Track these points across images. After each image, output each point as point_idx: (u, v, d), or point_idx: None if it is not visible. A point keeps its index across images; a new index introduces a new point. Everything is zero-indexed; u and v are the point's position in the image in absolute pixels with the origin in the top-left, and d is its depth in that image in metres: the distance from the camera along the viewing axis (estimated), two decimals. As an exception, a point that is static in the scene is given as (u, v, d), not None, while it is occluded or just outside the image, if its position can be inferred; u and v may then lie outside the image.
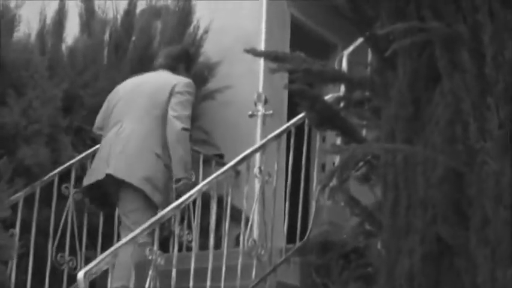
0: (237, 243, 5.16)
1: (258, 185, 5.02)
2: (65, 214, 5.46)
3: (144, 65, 6.11)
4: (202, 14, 6.55)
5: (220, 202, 4.98)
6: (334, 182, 3.71)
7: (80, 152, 5.71)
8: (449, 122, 3.21)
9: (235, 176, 5.19)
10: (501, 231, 2.99)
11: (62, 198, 5.48)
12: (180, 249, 4.96)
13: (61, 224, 5.43)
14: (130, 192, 5.01)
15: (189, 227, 4.99)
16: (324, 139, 5.49)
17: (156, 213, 4.77)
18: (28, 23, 6.19)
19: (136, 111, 5.21)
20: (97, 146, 5.64)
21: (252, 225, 4.95)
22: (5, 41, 5.65)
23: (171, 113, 5.13)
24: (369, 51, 3.90)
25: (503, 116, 3.06)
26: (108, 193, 5.17)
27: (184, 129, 5.10)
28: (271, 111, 5.93)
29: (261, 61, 6.22)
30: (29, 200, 5.31)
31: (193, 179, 5.28)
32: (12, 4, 6.02)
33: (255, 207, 4.97)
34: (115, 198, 5.13)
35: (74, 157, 5.61)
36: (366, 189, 3.82)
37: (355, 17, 3.60)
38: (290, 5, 6.82)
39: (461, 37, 3.20)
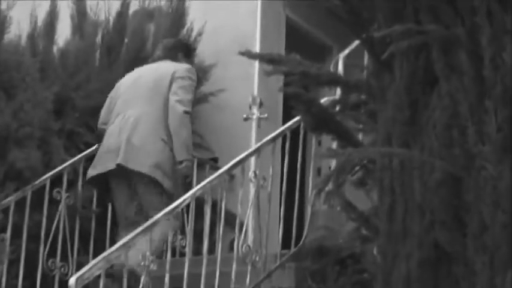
0: (231, 249, 5.13)
1: (253, 189, 5.00)
2: (56, 219, 5.43)
3: (137, 67, 6.09)
4: (196, 16, 6.52)
5: (215, 207, 4.94)
6: (330, 187, 3.71)
7: (73, 156, 5.69)
8: (446, 126, 3.23)
9: (229, 180, 5.16)
10: (499, 237, 3.02)
11: (54, 202, 5.45)
12: (173, 255, 4.95)
13: (53, 229, 5.40)
14: (142, 180, 5.14)
15: (183, 232, 4.99)
16: (319, 143, 5.47)
17: (170, 200, 4.81)
18: (19, 25, 6.15)
19: (140, 100, 5.32)
20: (89, 150, 5.65)
21: (246, 230, 4.91)
22: (-5, 43, 5.67)
23: (172, 97, 5.25)
24: (365, 53, 3.89)
25: (502, 120, 3.07)
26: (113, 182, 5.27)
27: (186, 112, 5.22)
28: (266, 115, 5.91)
29: (256, 64, 6.20)
30: (20, 204, 5.27)
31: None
32: (3, 5, 5.99)
33: (250, 212, 4.94)
34: (121, 187, 5.25)
35: (66, 161, 5.59)
36: (362, 193, 3.82)
37: (351, 19, 3.60)
38: (286, 7, 6.79)
39: (459, 39, 3.20)
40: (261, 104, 5.89)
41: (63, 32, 6.51)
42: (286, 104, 5.06)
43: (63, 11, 6.54)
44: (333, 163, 4.92)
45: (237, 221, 4.95)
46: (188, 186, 5.11)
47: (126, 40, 6.48)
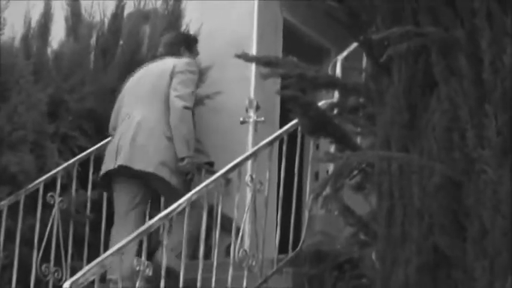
0: (228, 254, 5.10)
1: (250, 193, 4.98)
2: (50, 223, 5.42)
3: (132, 69, 6.07)
4: (192, 18, 6.49)
5: (211, 211, 4.91)
6: (327, 191, 3.68)
7: (67, 160, 5.69)
8: (446, 129, 3.23)
9: (226, 185, 5.13)
10: (499, 242, 3.03)
11: (47, 207, 5.43)
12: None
13: (46, 234, 5.40)
14: (149, 180, 5.20)
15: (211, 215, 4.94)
16: (317, 147, 5.45)
17: (177, 197, 4.79)
18: (12, 27, 6.13)
19: (143, 99, 5.38)
20: (83, 154, 5.66)
21: (243, 235, 4.90)
22: (-12, 45, 5.65)
23: (172, 93, 5.30)
24: (364, 56, 3.87)
25: (502, 123, 3.07)
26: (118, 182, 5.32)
27: (185, 107, 5.27)
28: (263, 118, 5.90)
29: (253, 66, 6.17)
30: (13, 209, 5.26)
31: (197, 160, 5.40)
32: (-4, 7, 5.97)
33: (246, 217, 4.93)
34: (124, 188, 5.29)
35: (60, 164, 5.59)
36: (360, 198, 3.80)
37: (349, 21, 3.58)
38: (283, 9, 6.77)
39: (459, 42, 3.20)
40: (257, 107, 5.88)
41: (58, 33, 6.49)
42: (284, 107, 5.04)
43: (57, 13, 6.53)
44: (331, 167, 4.90)
45: (234, 226, 4.92)
46: (189, 184, 5.14)
47: (121, 42, 6.46)
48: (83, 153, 5.71)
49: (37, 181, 5.40)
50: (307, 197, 5.48)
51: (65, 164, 5.59)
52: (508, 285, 2.94)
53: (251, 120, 5.89)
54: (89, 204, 5.68)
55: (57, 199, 5.46)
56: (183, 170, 5.23)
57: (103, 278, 4.76)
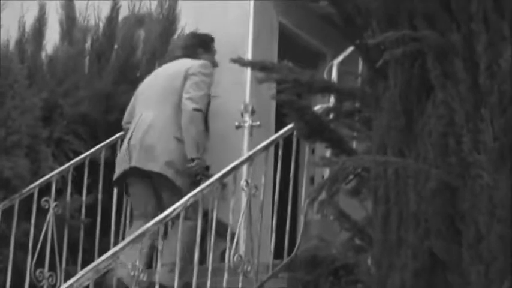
0: (223, 259, 5.08)
1: (245, 198, 4.96)
2: (44, 228, 5.39)
3: (126, 74, 6.06)
4: (187, 22, 6.47)
5: (206, 216, 4.89)
6: (323, 196, 3.66)
7: (61, 164, 5.67)
8: (442, 134, 3.23)
9: (221, 189, 5.11)
10: (495, 247, 3.02)
11: (42, 211, 5.41)
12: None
13: (40, 238, 5.37)
14: (157, 179, 5.26)
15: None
16: (313, 151, 5.45)
17: (180, 198, 4.80)
18: (7, 31, 6.11)
19: (156, 99, 5.45)
20: (78, 158, 5.64)
21: (238, 240, 4.89)
22: (-18, 49, 5.64)
23: (184, 95, 5.37)
24: (359, 60, 3.87)
25: (498, 128, 3.06)
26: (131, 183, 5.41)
27: (195, 109, 5.32)
28: (258, 123, 5.89)
29: (248, 71, 6.16)
30: (7, 213, 5.24)
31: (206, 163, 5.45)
32: (-9, 12, 5.96)
33: (242, 221, 4.90)
34: (138, 188, 5.38)
35: (54, 169, 5.58)
36: (356, 203, 3.79)
37: (345, 26, 3.56)
38: (278, 13, 6.76)
39: (455, 46, 3.18)
40: (253, 112, 5.86)
41: (52, 37, 6.48)
42: (279, 112, 5.02)
43: (51, 17, 6.51)
44: (327, 172, 4.90)
45: (229, 231, 4.90)
46: (198, 185, 5.11)
47: (115, 46, 6.44)
48: (78, 157, 5.70)
49: (31, 186, 5.38)
50: (303, 202, 5.48)
51: (60, 169, 5.58)
52: (504, 290, 2.94)
53: (246, 124, 5.88)
54: (83, 209, 5.66)
55: (52, 204, 5.45)
56: (192, 171, 5.27)
57: (98, 284, 4.73)
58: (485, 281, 2.98)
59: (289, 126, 5.08)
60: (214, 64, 5.70)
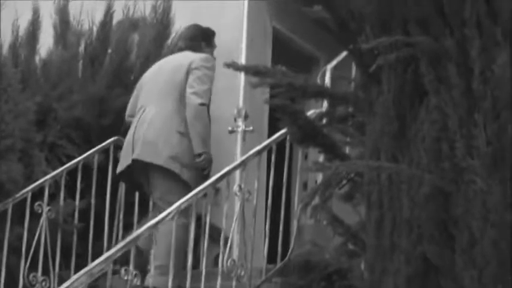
0: (216, 263, 5.07)
1: (238, 203, 4.94)
2: (37, 232, 5.38)
3: (120, 78, 6.05)
4: (181, 26, 6.46)
5: (199, 220, 4.88)
6: (316, 201, 3.65)
7: (55, 168, 5.66)
8: (435, 139, 3.22)
9: (214, 194, 5.10)
10: (488, 252, 3.00)
11: (35, 216, 5.39)
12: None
13: (34, 243, 5.35)
14: (159, 173, 5.26)
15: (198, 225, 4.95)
16: (306, 156, 5.44)
17: (189, 191, 4.82)
18: (0, 35, 6.09)
19: (158, 94, 5.47)
20: (71, 163, 5.64)
21: (231, 245, 4.88)
22: (-24, 53, 5.63)
23: (188, 90, 5.38)
24: (353, 65, 3.87)
25: (491, 133, 3.05)
26: (137, 179, 5.44)
27: (201, 104, 5.35)
28: (251, 127, 5.87)
29: (242, 75, 6.15)
30: (0, 218, 5.23)
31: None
32: (-16, 16, 5.95)
33: (235, 226, 4.89)
34: (145, 182, 5.40)
35: (47, 173, 5.56)
36: (349, 208, 3.78)
37: (338, 31, 3.56)
38: (272, 17, 6.76)
39: (448, 52, 3.18)
40: (246, 116, 5.85)
41: (46, 41, 6.48)
42: (272, 117, 5.02)
43: (45, 21, 6.51)
44: (320, 177, 4.89)
45: (222, 235, 4.89)
46: (206, 178, 5.16)
47: (109, 50, 6.43)
48: (71, 162, 5.68)
49: (25, 190, 5.37)
50: (296, 207, 5.47)
51: (53, 173, 5.57)
52: (497, 295, 2.93)
53: (240, 129, 5.87)
54: (77, 214, 5.65)
55: (45, 208, 5.44)
56: (200, 166, 5.30)
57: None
58: (478, 286, 2.97)
59: (283, 131, 5.08)
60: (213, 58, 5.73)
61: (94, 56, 6.41)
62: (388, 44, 3.28)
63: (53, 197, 5.49)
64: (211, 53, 5.79)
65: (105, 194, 5.73)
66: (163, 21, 6.54)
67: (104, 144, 5.85)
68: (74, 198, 5.66)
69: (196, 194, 4.79)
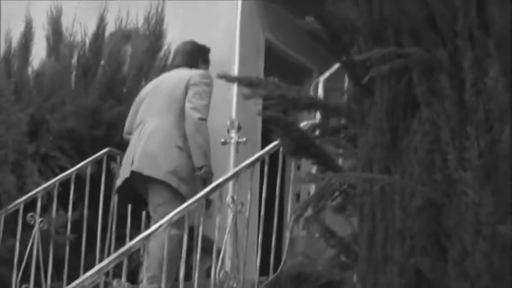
0: (208, 275, 5.05)
1: (231, 214, 4.93)
2: (30, 244, 5.36)
3: (113, 89, 6.04)
4: (173, 38, 6.47)
5: (191, 232, 4.87)
6: (309, 212, 3.63)
7: (47, 180, 5.64)
8: (427, 151, 3.20)
9: (207, 206, 5.09)
10: (480, 265, 2.98)
11: (27, 227, 5.37)
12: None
13: (26, 254, 5.32)
14: (157, 186, 5.32)
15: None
16: (298, 167, 5.43)
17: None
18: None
19: (157, 109, 5.54)
20: (64, 174, 5.64)
21: (223, 257, 4.85)
22: (-31, 64, 5.62)
23: (187, 105, 5.46)
24: (346, 77, 3.86)
25: (483, 145, 3.03)
26: (137, 192, 5.48)
27: (201, 119, 5.45)
28: (244, 139, 5.87)
29: (235, 87, 6.15)
30: (-7, 229, 5.21)
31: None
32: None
33: (227, 238, 4.87)
34: (144, 194, 5.43)
35: (40, 184, 5.54)
36: (341, 219, 3.76)
37: (331, 42, 3.55)
38: (265, 29, 6.77)
39: (441, 63, 3.17)
40: (239, 128, 5.85)
41: (39, 53, 6.47)
42: (265, 128, 5.02)
43: (38, 32, 6.51)
44: (312, 188, 4.88)
45: (214, 247, 4.88)
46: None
47: (102, 62, 6.43)
48: (64, 173, 5.67)
49: (17, 201, 5.37)
50: (289, 218, 5.45)
51: (46, 184, 5.56)
52: (490, 307, 2.92)
53: (233, 141, 5.86)
54: (69, 225, 5.64)
55: (38, 219, 5.42)
56: (200, 179, 5.36)
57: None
58: (470, 298, 2.97)
59: (275, 142, 5.07)
60: None
61: (87, 67, 6.41)
62: (380, 56, 3.27)
63: (46, 208, 5.48)
64: (207, 69, 5.83)
65: (98, 206, 5.72)
66: (155, 33, 6.55)
67: (96, 155, 5.84)
68: (66, 209, 5.65)
69: (189, 205, 4.78)
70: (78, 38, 6.50)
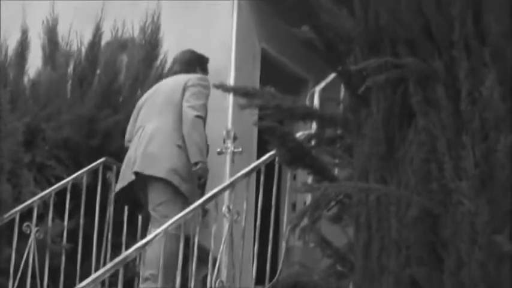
0: (204, 285, 5.05)
1: (227, 224, 4.93)
2: (26, 253, 5.35)
3: (109, 98, 6.04)
4: (169, 47, 6.47)
5: (187, 241, 4.86)
6: (305, 222, 3.63)
7: (43, 189, 5.63)
8: (423, 161, 3.20)
9: (203, 215, 5.08)
10: (476, 274, 2.97)
11: (23, 236, 5.36)
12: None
13: (22, 264, 5.31)
14: (158, 185, 5.35)
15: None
16: (294, 177, 5.43)
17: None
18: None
19: (156, 113, 5.59)
20: (60, 183, 5.64)
21: (219, 266, 4.85)
22: (-35, 73, 5.62)
23: (185, 104, 5.53)
24: (342, 87, 3.86)
25: (479, 155, 3.02)
26: (137, 195, 5.50)
27: (197, 116, 5.48)
28: (240, 149, 5.88)
29: (231, 96, 6.15)
30: (-11, 238, 5.20)
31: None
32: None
33: (223, 247, 4.87)
34: (144, 199, 5.45)
35: (36, 193, 5.53)
36: (337, 229, 3.76)
37: (327, 52, 3.55)
38: (261, 39, 6.77)
39: (436, 73, 3.17)
40: (235, 138, 5.86)
41: (34, 62, 6.47)
42: (261, 138, 5.02)
43: (34, 41, 6.50)
44: (308, 198, 4.87)
45: (210, 257, 4.87)
46: (203, 188, 5.31)
47: (98, 71, 6.43)
48: (60, 183, 5.67)
49: (13, 210, 5.36)
50: (285, 228, 5.45)
51: (41, 194, 5.55)
52: (486, 317, 2.92)
53: (229, 150, 5.87)
54: (65, 234, 5.63)
55: (34, 229, 5.42)
56: (196, 175, 5.38)
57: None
58: (466, 308, 2.97)
59: (271, 152, 5.07)
60: None
61: (83, 76, 6.40)
62: (376, 66, 3.27)
63: (42, 217, 5.47)
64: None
65: (94, 215, 5.71)
66: (151, 42, 6.55)
67: (92, 165, 5.83)
68: (62, 218, 5.64)
69: (185, 215, 4.78)
70: (74, 47, 6.50)
